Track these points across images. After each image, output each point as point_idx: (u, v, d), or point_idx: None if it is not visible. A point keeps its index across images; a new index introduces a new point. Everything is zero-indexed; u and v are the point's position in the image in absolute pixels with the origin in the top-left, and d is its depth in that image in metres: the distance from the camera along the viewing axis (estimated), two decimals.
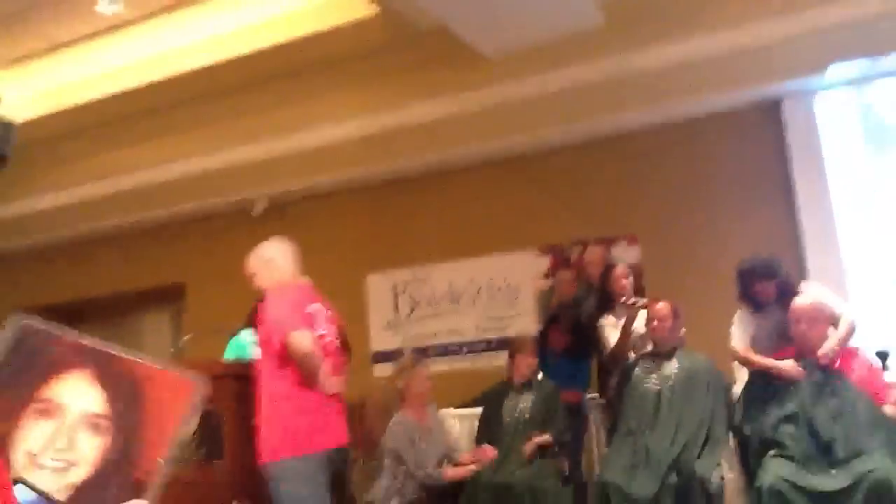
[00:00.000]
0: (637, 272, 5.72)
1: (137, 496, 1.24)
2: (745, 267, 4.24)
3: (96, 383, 1.31)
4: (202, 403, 1.33)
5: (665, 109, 5.84)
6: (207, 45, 6.71)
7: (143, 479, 1.26)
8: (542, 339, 5.15)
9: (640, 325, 4.45)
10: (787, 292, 4.10)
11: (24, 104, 7.46)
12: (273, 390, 3.44)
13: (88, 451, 1.24)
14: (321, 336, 3.46)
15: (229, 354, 4.65)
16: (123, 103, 7.12)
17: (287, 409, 3.38)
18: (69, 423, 1.25)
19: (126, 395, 1.32)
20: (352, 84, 6.68)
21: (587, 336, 4.89)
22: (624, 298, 4.59)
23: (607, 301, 4.79)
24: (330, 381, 3.41)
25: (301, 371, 3.33)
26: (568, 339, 5.01)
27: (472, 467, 4.27)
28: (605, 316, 4.76)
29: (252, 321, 4.67)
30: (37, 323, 1.33)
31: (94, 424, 1.26)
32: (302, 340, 3.28)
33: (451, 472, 4.28)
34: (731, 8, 5.47)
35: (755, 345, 4.12)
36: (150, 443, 1.28)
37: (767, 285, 4.15)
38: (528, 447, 4.27)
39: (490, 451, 4.31)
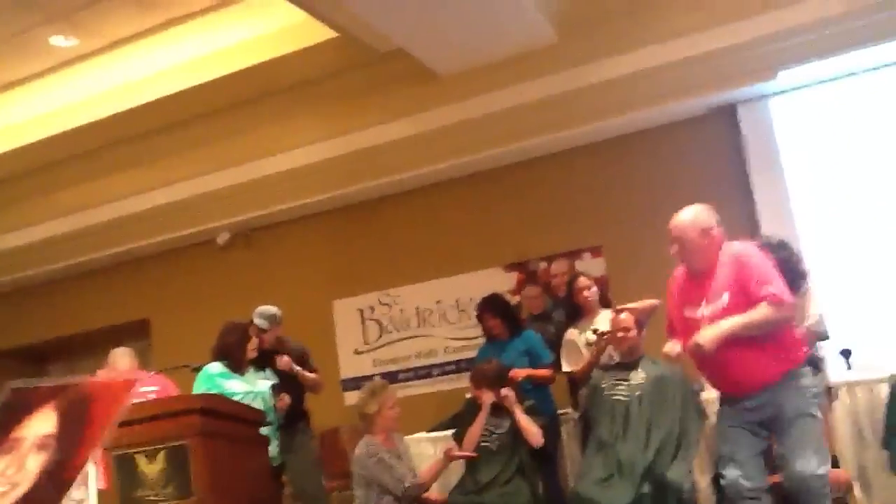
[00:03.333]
0: (603, 283, 5.76)
1: (66, 492, 1.52)
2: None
3: (55, 410, 1.58)
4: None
5: (622, 120, 5.90)
6: (163, 77, 6.68)
7: (73, 476, 1.55)
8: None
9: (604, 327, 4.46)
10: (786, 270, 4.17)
11: None
12: None
13: (32, 468, 1.50)
14: None
15: (199, 388, 4.59)
16: (80, 139, 7.07)
17: None
18: (22, 451, 1.50)
19: (76, 412, 1.60)
20: (311, 109, 6.68)
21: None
22: (601, 332, 4.57)
23: (575, 313, 4.79)
24: None
25: None
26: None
27: (443, 459, 4.29)
28: (570, 330, 4.76)
29: (227, 353, 4.63)
30: (22, 384, 1.56)
31: (42, 444, 1.52)
32: None
33: (426, 473, 4.26)
34: (682, 18, 5.56)
35: None
36: (85, 444, 1.59)
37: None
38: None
39: (458, 452, 4.28)
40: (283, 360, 4.78)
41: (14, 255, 7.84)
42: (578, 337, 4.70)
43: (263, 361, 4.79)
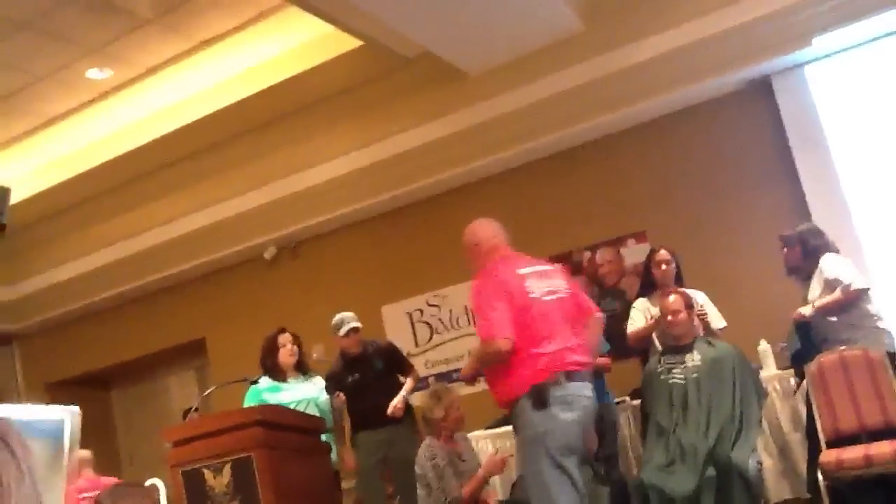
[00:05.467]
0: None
1: None
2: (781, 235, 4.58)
3: None
4: None
5: (656, 103, 5.84)
6: (197, 100, 6.81)
7: None
8: None
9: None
10: (811, 259, 4.32)
11: (26, 181, 7.58)
12: None
13: None
14: None
15: (249, 402, 4.67)
16: (123, 167, 7.24)
17: None
18: None
19: None
20: (344, 119, 6.74)
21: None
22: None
23: (650, 286, 4.73)
24: None
25: None
26: None
27: (482, 474, 4.24)
28: (640, 299, 4.73)
29: (266, 366, 4.69)
30: None
31: None
32: None
33: (466, 488, 4.27)
34: None
35: None
36: None
37: (792, 249, 4.45)
38: None
39: (499, 460, 4.27)
40: (339, 399, 4.76)
41: (68, 287, 8.03)
42: (648, 306, 4.66)
43: (303, 366, 4.82)
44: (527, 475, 3.26)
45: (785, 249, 4.47)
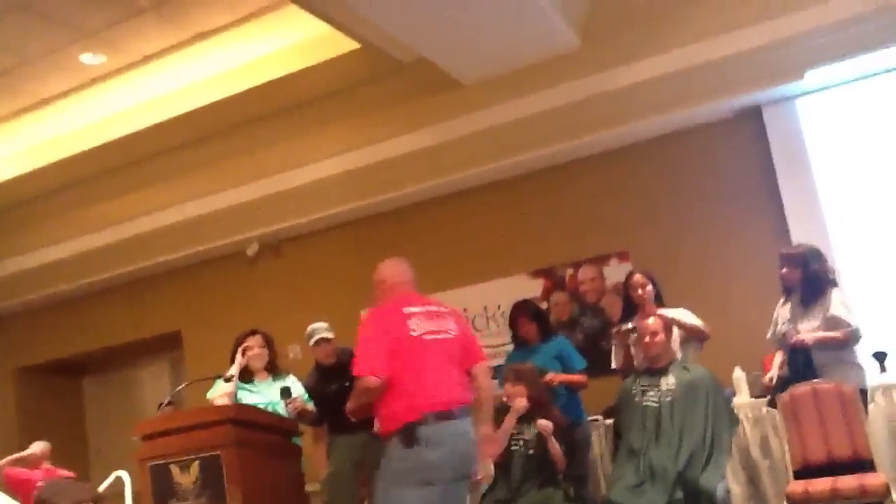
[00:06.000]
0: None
1: None
2: (782, 252, 4.53)
3: None
4: None
5: (647, 125, 5.87)
6: (190, 91, 6.78)
7: None
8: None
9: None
10: (811, 286, 4.28)
11: (12, 161, 7.53)
12: None
13: None
14: None
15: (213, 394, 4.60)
16: (110, 154, 7.19)
17: None
18: None
19: None
20: (336, 120, 6.74)
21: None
22: (615, 329, 4.64)
23: (630, 310, 4.74)
24: None
25: None
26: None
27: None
28: (621, 326, 4.74)
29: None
30: None
31: None
32: None
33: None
34: (706, 21, 5.52)
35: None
36: None
37: (791, 271, 4.39)
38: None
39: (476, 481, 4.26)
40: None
41: (48, 271, 7.96)
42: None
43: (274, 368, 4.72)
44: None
45: (784, 269, 4.42)
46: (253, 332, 4.73)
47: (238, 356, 4.60)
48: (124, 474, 5.16)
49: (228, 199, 7.11)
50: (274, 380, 4.67)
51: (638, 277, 4.68)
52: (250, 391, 4.58)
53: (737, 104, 5.73)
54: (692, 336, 4.43)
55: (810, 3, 5.24)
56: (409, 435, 3.23)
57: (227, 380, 4.54)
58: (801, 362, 4.14)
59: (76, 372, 9.01)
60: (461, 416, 3.35)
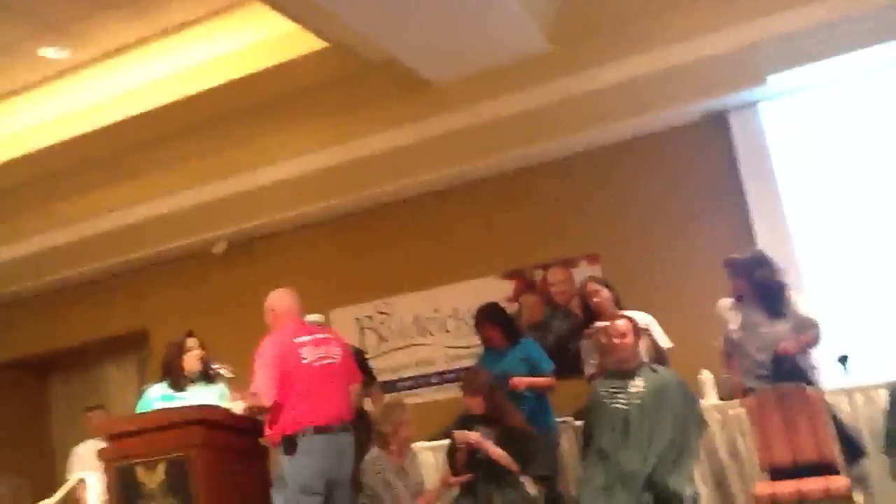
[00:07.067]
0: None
1: None
2: (727, 260, 4.51)
3: None
4: None
5: (615, 129, 5.92)
6: (156, 87, 6.70)
7: None
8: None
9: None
10: (767, 289, 4.29)
11: None
12: None
13: None
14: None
15: (140, 410, 4.49)
16: (74, 150, 7.07)
17: None
18: None
19: None
20: (305, 119, 6.70)
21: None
22: (587, 330, 4.65)
23: (590, 318, 4.77)
24: None
25: None
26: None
27: (439, 487, 4.33)
28: (584, 342, 4.77)
29: (168, 371, 4.54)
30: None
31: None
32: None
33: (421, 502, 4.26)
34: (672, 25, 5.59)
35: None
36: None
37: (737, 281, 4.40)
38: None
39: (454, 479, 4.27)
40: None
41: (11, 267, 7.83)
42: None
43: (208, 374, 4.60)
44: None
45: (730, 277, 4.46)
46: (190, 335, 4.64)
47: (194, 355, 4.54)
48: (88, 475, 5.07)
49: (197, 197, 7.04)
50: (206, 385, 4.58)
51: (591, 285, 4.79)
52: (178, 398, 4.45)
53: (704, 108, 5.81)
54: (655, 356, 4.46)
55: (774, 9, 5.33)
56: (290, 444, 3.88)
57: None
58: (787, 369, 4.16)
59: (42, 369, 8.87)
60: (339, 430, 3.98)
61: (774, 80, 5.48)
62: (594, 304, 4.70)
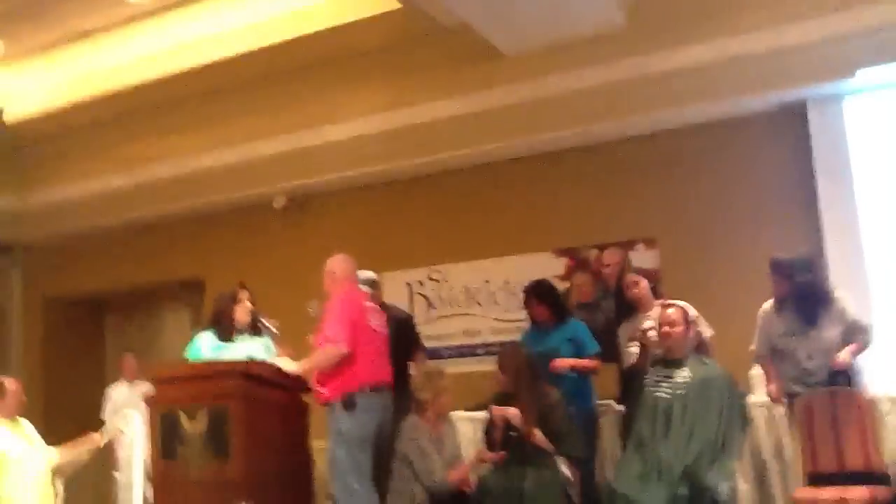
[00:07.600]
0: (655, 276, 5.66)
1: None
2: (771, 260, 4.38)
3: None
4: None
5: (686, 112, 5.75)
6: (230, 38, 6.72)
7: None
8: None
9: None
10: (807, 295, 4.14)
11: (48, 93, 7.54)
12: None
13: None
14: None
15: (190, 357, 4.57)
16: (146, 94, 7.16)
17: None
18: None
19: None
20: (371, 80, 6.67)
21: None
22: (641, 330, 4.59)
23: (627, 309, 4.74)
24: None
25: None
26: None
27: (473, 461, 4.34)
28: (622, 325, 4.72)
29: (218, 321, 4.61)
30: None
31: None
32: None
33: (454, 474, 4.27)
34: (757, 11, 5.38)
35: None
36: None
37: (780, 282, 4.29)
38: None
39: (489, 455, 4.28)
40: None
41: (77, 206, 8.00)
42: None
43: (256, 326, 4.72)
44: (330, 461, 4.17)
45: (772, 277, 4.35)
46: (242, 287, 4.71)
47: (245, 307, 4.63)
48: (134, 413, 5.19)
49: (260, 150, 7.07)
50: (252, 337, 4.64)
51: (628, 276, 4.91)
52: (226, 348, 4.54)
53: (782, 98, 5.58)
54: (698, 346, 4.37)
55: (867, 1, 5.07)
56: (350, 401, 4.09)
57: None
58: (843, 382, 4.05)
59: (100, 308, 9.11)
60: (386, 391, 4.29)
61: (863, 75, 5.23)
62: (633, 294, 4.71)
